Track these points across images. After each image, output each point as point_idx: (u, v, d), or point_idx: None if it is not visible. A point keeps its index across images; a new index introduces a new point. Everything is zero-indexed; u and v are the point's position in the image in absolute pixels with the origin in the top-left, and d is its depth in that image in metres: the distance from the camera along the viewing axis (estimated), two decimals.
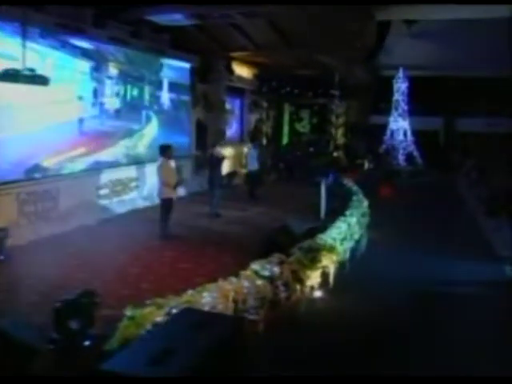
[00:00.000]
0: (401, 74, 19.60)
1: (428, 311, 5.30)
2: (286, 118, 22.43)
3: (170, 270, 6.16)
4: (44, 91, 8.23)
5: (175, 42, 11.63)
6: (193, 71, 13.23)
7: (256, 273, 5.12)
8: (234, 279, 4.85)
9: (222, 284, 4.67)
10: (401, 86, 19.75)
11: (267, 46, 12.13)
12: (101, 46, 9.69)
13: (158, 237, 7.61)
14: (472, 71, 17.38)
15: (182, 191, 12.02)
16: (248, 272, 5.06)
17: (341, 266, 6.71)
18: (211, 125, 14.46)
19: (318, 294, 5.89)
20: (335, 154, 20.61)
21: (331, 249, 6.49)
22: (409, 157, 19.84)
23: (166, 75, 12.42)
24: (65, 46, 8.72)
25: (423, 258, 7.32)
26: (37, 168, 8.20)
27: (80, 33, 8.45)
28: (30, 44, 7.86)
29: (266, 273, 5.18)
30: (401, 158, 19.86)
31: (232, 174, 14.06)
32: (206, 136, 14.08)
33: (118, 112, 10.60)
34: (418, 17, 11.29)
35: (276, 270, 5.28)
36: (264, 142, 19.61)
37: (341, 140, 21.67)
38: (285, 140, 22.10)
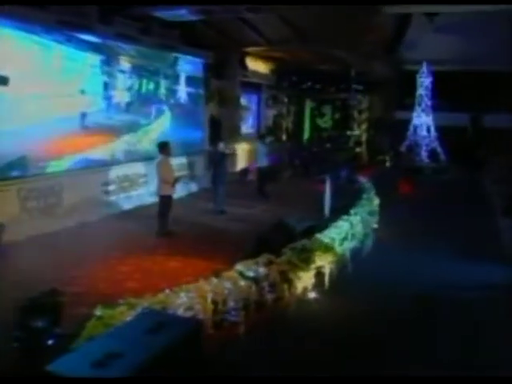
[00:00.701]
0: (424, 68, 19.08)
1: (424, 317, 5.08)
2: (308, 113, 22.17)
3: (159, 268, 6.10)
4: (50, 84, 8.31)
5: (186, 38, 11.58)
6: (206, 66, 13.17)
7: (240, 273, 5.02)
8: (214, 280, 4.76)
9: (201, 284, 4.58)
10: (424, 81, 19.23)
11: (279, 41, 11.96)
12: (110, 41, 9.70)
13: (155, 234, 7.58)
14: (497, 65, 16.78)
15: (193, 187, 12.06)
16: (231, 272, 4.96)
17: (341, 266, 6.54)
18: (226, 120, 14.38)
19: (310, 295, 5.75)
20: (357, 150, 20.29)
21: (327, 249, 6.32)
22: (432, 153, 19.34)
23: (181, 69, 12.41)
24: (71, 40, 8.73)
25: (431, 259, 7.06)
26: (38, 163, 8.27)
27: (85, 29, 8.47)
28: (33, 38, 7.94)
29: (251, 273, 5.07)
30: (424, 154, 19.37)
31: (246, 171, 13.96)
32: (221, 132, 14.01)
33: (128, 106, 10.62)
34: (428, 10, 10.91)
35: (262, 270, 5.16)
36: (284, 137, 19.43)
37: (363, 136, 21.30)
38: (306, 136, 21.87)
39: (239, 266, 5.04)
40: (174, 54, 11.73)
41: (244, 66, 14.67)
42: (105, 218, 8.85)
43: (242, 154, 15.17)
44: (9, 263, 6.18)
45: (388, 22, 10.60)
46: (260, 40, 11.96)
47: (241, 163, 14.88)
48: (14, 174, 7.81)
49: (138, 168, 10.63)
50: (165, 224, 7.65)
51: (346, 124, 21.32)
